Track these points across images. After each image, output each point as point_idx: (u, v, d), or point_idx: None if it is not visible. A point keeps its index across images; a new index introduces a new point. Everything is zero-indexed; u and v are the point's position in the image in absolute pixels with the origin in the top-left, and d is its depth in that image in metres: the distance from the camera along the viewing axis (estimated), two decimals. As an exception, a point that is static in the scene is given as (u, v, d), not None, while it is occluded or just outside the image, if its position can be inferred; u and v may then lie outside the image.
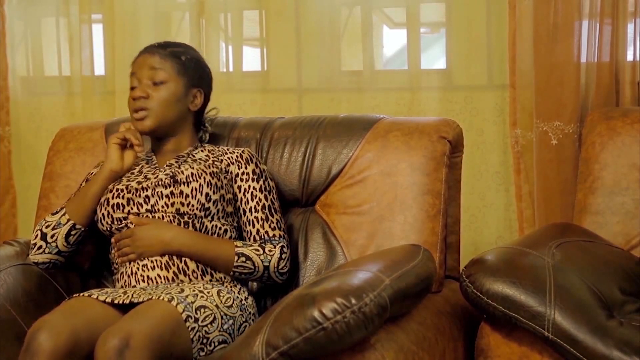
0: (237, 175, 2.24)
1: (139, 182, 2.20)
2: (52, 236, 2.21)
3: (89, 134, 2.56)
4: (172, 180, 2.17)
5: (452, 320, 2.12)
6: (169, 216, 2.16)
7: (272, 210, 2.22)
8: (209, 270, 2.16)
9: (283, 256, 2.18)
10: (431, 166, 2.25)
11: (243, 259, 2.15)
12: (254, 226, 2.21)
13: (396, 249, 2.12)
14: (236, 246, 2.16)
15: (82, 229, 2.22)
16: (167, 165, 2.24)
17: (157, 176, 2.20)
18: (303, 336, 1.69)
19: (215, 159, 2.26)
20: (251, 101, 3.20)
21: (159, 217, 2.16)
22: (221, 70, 3.19)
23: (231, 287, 2.15)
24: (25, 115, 3.46)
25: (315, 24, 3.10)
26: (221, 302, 2.05)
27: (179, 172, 2.19)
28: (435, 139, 2.27)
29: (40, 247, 2.22)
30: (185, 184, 2.17)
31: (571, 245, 2.10)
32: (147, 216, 2.16)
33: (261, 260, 2.16)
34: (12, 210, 3.41)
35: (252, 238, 2.21)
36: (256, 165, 2.25)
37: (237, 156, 2.25)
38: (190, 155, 2.26)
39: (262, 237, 2.20)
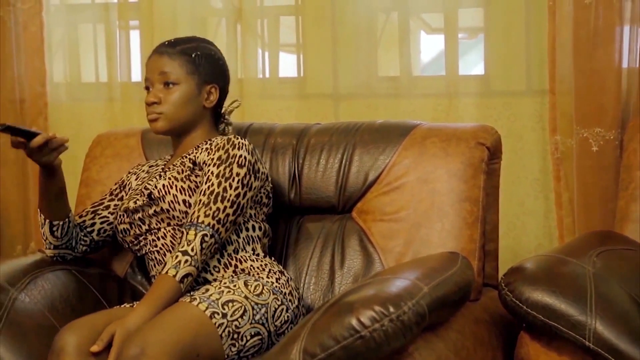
0: (204, 162, 2.17)
1: (135, 202, 2.21)
2: (43, 234, 2.27)
3: (126, 140, 2.58)
4: (149, 199, 2.18)
5: (491, 329, 2.10)
6: (170, 232, 2.17)
7: (219, 198, 2.09)
8: (232, 262, 2.15)
9: (204, 245, 2.05)
10: (469, 173, 2.24)
11: (186, 279, 2.02)
12: (193, 208, 2.10)
13: (434, 256, 2.11)
14: (173, 276, 2.01)
15: (60, 223, 2.24)
16: (165, 170, 2.23)
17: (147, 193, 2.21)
18: (341, 344, 1.69)
19: (197, 154, 2.20)
20: (287, 107, 3.21)
21: (162, 236, 2.18)
22: (257, 77, 3.20)
23: (258, 272, 2.14)
24: (63, 121, 3.50)
25: (352, 29, 3.10)
26: (250, 292, 2.04)
27: (154, 188, 2.18)
28: (473, 145, 2.26)
29: (45, 242, 2.29)
30: (161, 199, 2.16)
31: (612, 254, 2.08)
32: (152, 236, 2.18)
33: (190, 255, 2.02)
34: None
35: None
36: (225, 151, 2.14)
37: (215, 144, 2.18)
38: (191, 154, 2.23)
39: (191, 221, 2.07)
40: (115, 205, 2.34)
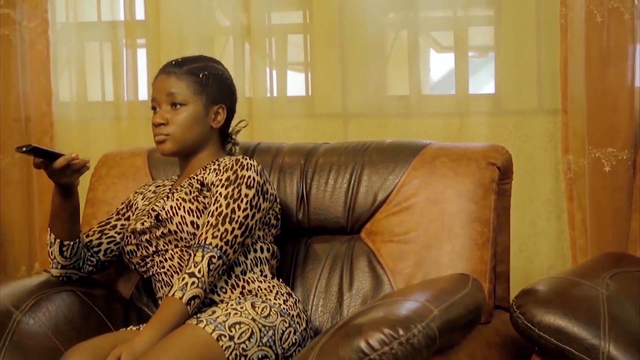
0: (212, 183, 2.17)
1: (143, 223, 2.21)
2: (51, 254, 2.27)
3: (132, 160, 2.59)
4: (156, 221, 2.18)
5: (502, 353, 2.09)
6: (177, 253, 2.17)
7: (227, 220, 2.09)
8: (239, 283, 2.15)
9: (211, 267, 2.05)
10: (479, 193, 2.24)
11: (193, 302, 2.02)
12: (201, 230, 2.11)
13: (444, 278, 2.10)
14: (179, 298, 2.00)
15: (71, 244, 2.25)
16: (173, 192, 2.24)
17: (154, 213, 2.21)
18: (349, 368, 1.68)
19: (204, 175, 2.21)
20: (295, 127, 3.22)
21: (169, 258, 2.18)
22: (265, 96, 3.21)
23: (266, 294, 2.14)
24: (69, 140, 3.51)
25: (360, 48, 3.11)
26: (257, 314, 2.04)
27: (161, 210, 2.18)
28: (483, 165, 2.26)
29: (52, 261, 2.29)
30: (169, 221, 2.16)
31: (626, 276, 2.07)
32: (159, 257, 2.19)
33: (197, 277, 2.02)
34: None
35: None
36: (234, 172, 2.15)
37: (224, 165, 2.18)
38: (198, 175, 2.23)
39: (199, 242, 2.08)
40: (122, 225, 2.34)
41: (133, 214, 2.33)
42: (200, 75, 2.24)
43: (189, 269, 2.04)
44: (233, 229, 2.10)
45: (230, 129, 2.35)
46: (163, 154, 2.25)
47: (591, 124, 2.69)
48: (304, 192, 2.40)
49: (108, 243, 2.33)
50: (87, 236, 2.33)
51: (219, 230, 2.08)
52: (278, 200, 2.28)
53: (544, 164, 2.90)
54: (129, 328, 2.15)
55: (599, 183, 2.67)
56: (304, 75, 3.27)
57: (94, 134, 3.46)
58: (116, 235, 2.33)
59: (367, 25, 3.09)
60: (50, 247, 2.27)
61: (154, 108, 2.26)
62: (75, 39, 3.51)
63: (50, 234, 2.26)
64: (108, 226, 2.34)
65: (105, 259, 2.33)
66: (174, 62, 2.28)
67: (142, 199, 2.34)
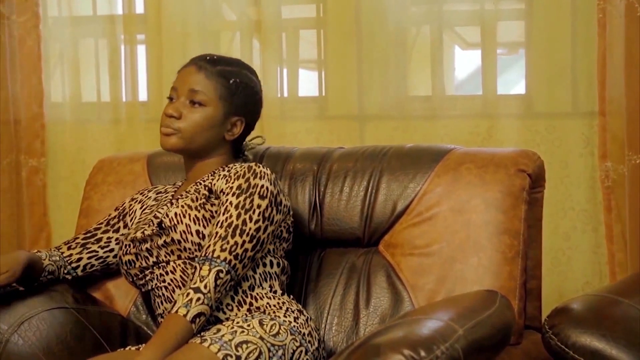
0: (221, 190, 2.18)
1: (143, 232, 2.23)
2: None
3: (130, 166, 2.60)
4: (159, 229, 2.19)
5: (533, 377, 2.10)
6: (179, 266, 2.18)
7: (237, 232, 2.09)
8: (246, 300, 2.16)
9: (218, 282, 2.05)
10: (508, 203, 2.24)
11: (198, 319, 2.02)
12: (208, 241, 2.11)
13: (469, 295, 2.10)
14: (183, 315, 2.00)
15: (39, 277, 2.30)
16: (177, 198, 2.25)
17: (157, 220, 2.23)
18: (366, 391, 1.69)
19: (213, 181, 2.22)
20: (307, 129, 3.23)
21: (171, 270, 2.19)
22: (275, 96, 3.22)
23: (275, 311, 2.15)
24: (62, 144, 3.53)
25: (379, 44, 3.12)
26: (265, 332, 2.05)
27: (164, 217, 2.19)
28: (513, 172, 2.26)
29: None
30: (173, 229, 2.17)
31: (669, 293, 2.07)
32: (160, 270, 2.20)
33: (202, 292, 2.03)
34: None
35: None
36: (246, 180, 2.15)
37: (235, 172, 2.19)
38: (205, 181, 2.24)
39: (206, 255, 2.08)
40: (108, 238, 2.36)
41: (126, 225, 2.34)
42: (231, 81, 2.25)
43: (194, 283, 2.05)
44: (243, 242, 2.10)
45: (244, 143, 2.36)
46: (165, 148, 2.26)
47: (631, 127, 2.69)
48: (317, 200, 2.41)
49: (89, 258, 2.34)
50: (69, 248, 2.35)
51: (228, 242, 2.09)
52: (291, 212, 2.29)
53: (579, 172, 2.90)
54: (127, 348, 2.16)
55: (640, 192, 2.67)
56: (317, 74, 3.28)
57: (89, 137, 3.48)
58: (99, 250, 2.35)
59: (386, 20, 3.10)
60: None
61: (170, 99, 2.27)
62: (68, 34, 3.53)
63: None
64: (92, 239, 2.36)
65: (83, 274, 2.36)
66: (208, 57, 2.28)
67: (142, 207, 2.35)
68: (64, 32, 3.53)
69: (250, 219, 2.12)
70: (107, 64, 3.47)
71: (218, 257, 2.07)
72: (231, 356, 1.95)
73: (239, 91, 2.26)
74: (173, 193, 2.33)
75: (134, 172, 2.58)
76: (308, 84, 3.30)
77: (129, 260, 2.25)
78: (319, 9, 3.26)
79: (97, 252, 2.35)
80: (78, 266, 2.34)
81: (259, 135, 2.39)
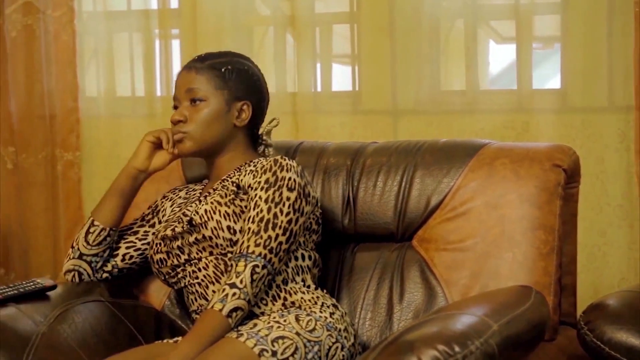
0: (249, 185, 2.18)
1: (173, 229, 2.23)
2: (76, 239, 2.32)
3: (164, 160, 2.61)
4: (189, 226, 2.20)
5: (568, 373, 2.09)
6: (211, 262, 2.19)
7: (269, 225, 2.10)
8: (280, 294, 2.17)
9: (254, 277, 2.06)
10: (543, 198, 2.23)
11: (235, 314, 2.03)
12: (241, 238, 2.12)
13: (504, 290, 2.10)
14: (219, 310, 2.01)
15: (101, 227, 2.29)
16: (205, 195, 2.26)
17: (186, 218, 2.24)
18: (400, 387, 1.69)
19: (240, 177, 2.23)
20: (341, 124, 3.23)
21: (203, 267, 2.20)
22: (308, 90, 3.22)
23: (310, 306, 2.15)
24: (97, 139, 3.56)
25: (412, 38, 3.11)
26: (302, 328, 2.05)
27: (195, 214, 2.20)
28: (548, 167, 2.25)
29: (68, 255, 2.34)
30: (204, 226, 2.17)
31: None
32: (192, 267, 2.21)
33: (238, 287, 2.03)
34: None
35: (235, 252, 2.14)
36: (273, 174, 2.16)
37: (261, 166, 2.19)
38: (232, 177, 2.25)
39: (241, 251, 2.09)
40: (145, 232, 2.37)
41: (159, 221, 2.36)
42: (223, 70, 2.26)
43: (230, 279, 2.05)
44: (277, 235, 2.11)
45: (261, 130, 2.36)
46: (182, 154, 2.28)
47: (668, 122, 2.67)
48: (351, 195, 2.41)
49: (127, 248, 2.36)
50: None
51: (261, 237, 2.10)
52: (319, 204, 2.29)
53: (615, 167, 2.88)
54: (165, 341, 2.17)
55: (677, 188, 2.65)
56: (351, 69, 3.28)
57: (123, 131, 3.51)
58: (137, 241, 2.36)
59: (420, 14, 3.09)
60: (78, 233, 2.33)
61: (175, 107, 2.29)
62: (103, 29, 3.55)
63: (88, 218, 2.33)
64: (129, 231, 2.38)
65: (123, 265, 2.36)
66: (196, 57, 2.31)
67: (171, 205, 2.36)
68: (98, 26, 3.55)
69: (281, 211, 2.12)
70: (142, 59, 3.49)
71: (253, 252, 2.08)
72: (267, 351, 1.96)
73: (233, 77, 2.27)
74: (200, 190, 2.34)
75: (169, 167, 2.59)
76: (342, 78, 3.30)
77: (160, 258, 2.26)
78: (353, 3, 3.26)
79: (135, 243, 2.36)
80: (117, 255, 2.36)
81: (273, 117, 2.37)
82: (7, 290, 2.18)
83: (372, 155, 2.44)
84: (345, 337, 2.12)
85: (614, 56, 2.89)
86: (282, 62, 3.27)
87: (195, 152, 2.27)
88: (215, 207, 2.18)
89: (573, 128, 2.94)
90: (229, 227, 2.16)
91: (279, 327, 2.02)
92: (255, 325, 2.04)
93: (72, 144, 3.55)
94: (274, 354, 1.97)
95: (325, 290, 2.25)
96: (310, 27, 3.24)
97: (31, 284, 2.23)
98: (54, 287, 2.26)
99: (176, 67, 3.41)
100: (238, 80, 2.27)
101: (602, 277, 2.89)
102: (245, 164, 2.27)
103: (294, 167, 2.18)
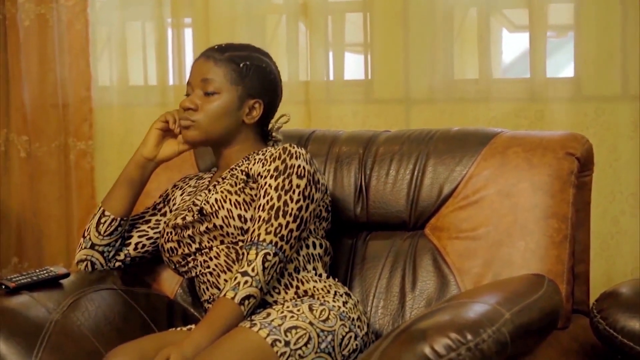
0: (259, 174, 2.18)
1: (183, 218, 2.24)
2: (87, 229, 2.33)
3: (177, 149, 2.61)
4: (200, 215, 2.20)
5: (581, 361, 2.08)
6: (223, 251, 2.19)
7: (280, 213, 2.11)
8: (293, 283, 2.17)
9: (266, 265, 2.07)
10: (556, 186, 2.22)
11: (247, 301, 2.04)
12: (252, 226, 2.12)
13: (517, 279, 2.09)
14: (231, 298, 2.02)
15: (112, 217, 2.30)
16: (214, 184, 2.26)
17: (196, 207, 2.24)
18: (412, 374, 1.69)
19: (249, 165, 2.23)
20: (353, 113, 3.22)
21: (214, 256, 2.20)
22: (321, 79, 3.22)
23: (323, 295, 2.15)
24: (109, 128, 3.56)
25: (425, 27, 3.11)
26: (315, 317, 2.05)
27: (205, 203, 2.20)
28: (561, 155, 2.25)
29: (80, 244, 2.35)
30: (214, 215, 2.17)
31: None
32: (203, 256, 2.21)
33: (250, 275, 2.04)
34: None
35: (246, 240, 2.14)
36: (282, 162, 2.16)
37: (270, 155, 2.19)
38: (241, 166, 2.25)
39: (252, 240, 2.09)
40: (156, 220, 2.38)
41: (170, 210, 2.36)
42: (241, 65, 2.25)
43: (242, 267, 2.06)
44: (287, 222, 2.11)
45: (270, 126, 2.35)
46: (186, 141, 2.28)
47: (682, 110, 2.66)
48: (363, 184, 2.41)
49: (139, 237, 2.36)
50: None
51: (272, 225, 2.10)
52: (328, 191, 2.29)
53: (628, 155, 2.87)
54: (179, 329, 2.18)
55: (691, 176, 2.64)
56: (363, 57, 3.27)
57: (136, 120, 3.51)
58: (149, 230, 2.37)
59: (433, 3, 3.08)
60: (89, 222, 2.33)
61: (187, 94, 2.28)
62: (116, 18, 3.56)
63: (99, 208, 2.33)
64: (141, 220, 2.38)
65: (135, 254, 2.37)
66: (216, 47, 2.29)
67: (181, 194, 2.36)
68: (111, 15, 3.56)
69: (291, 199, 2.12)
70: (154, 48, 3.49)
71: (264, 240, 2.08)
72: (280, 341, 1.96)
73: (250, 73, 2.25)
74: (209, 179, 2.34)
75: (181, 156, 2.59)
76: (354, 67, 3.29)
77: (171, 247, 2.26)
78: (365, -9, 3.25)
79: (147, 232, 2.37)
80: (129, 243, 2.36)
81: (283, 114, 2.37)
82: (20, 278, 2.19)
83: (385, 143, 2.44)
84: (359, 326, 2.12)
85: (628, 45, 2.88)
86: (294, 51, 3.27)
87: (200, 141, 2.27)
88: (226, 195, 2.18)
89: (586, 116, 2.93)
90: (239, 216, 2.16)
91: (292, 316, 2.02)
92: (268, 314, 2.04)
93: (84, 133, 3.56)
94: (287, 343, 1.97)
95: (337, 279, 2.26)
96: (322, 15, 3.24)
97: (44, 272, 2.24)
98: (67, 275, 2.27)
99: (189, 56, 3.41)
100: (254, 77, 2.26)
101: (615, 265, 2.88)
102: (254, 152, 2.26)
103: (302, 154, 2.18)
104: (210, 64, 2.25)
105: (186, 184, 2.40)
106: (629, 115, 2.88)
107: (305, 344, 1.99)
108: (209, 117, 2.24)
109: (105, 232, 2.31)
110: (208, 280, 2.21)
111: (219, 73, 2.24)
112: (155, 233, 2.36)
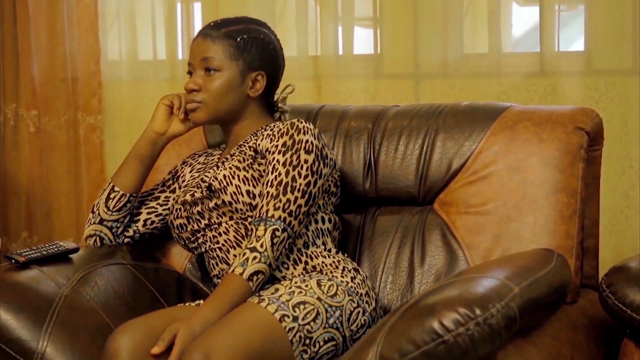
0: (267, 149, 2.18)
1: (192, 195, 2.24)
2: (96, 204, 2.34)
3: (186, 124, 2.61)
4: (208, 192, 2.20)
5: (590, 335, 2.08)
6: (232, 227, 2.19)
7: (288, 189, 2.10)
8: (301, 258, 2.17)
9: (275, 240, 2.07)
10: (566, 161, 2.22)
11: (256, 277, 2.04)
12: (261, 202, 2.12)
13: (526, 253, 2.09)
14: (240, 274, 2.02)
15: (121, 193, 2.31)
16: (222, 161, 2.26)
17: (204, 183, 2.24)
18: (421, 350, 1.68)
19: (257, 141, 2.22)
20: (363, 88, 3.21)
21: (223, 231, 2.20)
22: (330, 54, 3.21)
23: (331, 271, 2.15)
24: (118, 102, 3.56)
25: (435, 1, 3.09)
26: (323, 293, 2.05)
27: (214, 180, 2.20)
28: (570, 130, 2.24)
29: (89, 219, 2.35)
30: (223, 191, 2.17)
31: None
32: (212, 232, 2.21)
33: (259, 251, 2.04)
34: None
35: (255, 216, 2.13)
36: (290, 137, 2.15)
37: (278, 130, 2.19)
38: (249, 142, 2.25)
39: (260, 215, 2.09)
40: (165, 197, 2.38)
41: (179, 187, 2.36)
42: (238, 39, 2.24)
43: (250, 243, 2.06)
44: (296, 198, 2.11)
45: (276, 97, 2.35)
46: (195, 123, 2.29)
47: (693, 84, 2.64)
48: (372, 159, 2.40)
49: (148, 213, 2.37)
50: None
51: (280, 200, 2.10)
52: (337, 166, 2.28)
53: (638, 129, 2.86)
54: (187, 304, 2.18)
55: (701, 150, 2.63)
56: (373, 32, 3.26)
57: (145, 95, 3.51)
58: (158, 207, 2.37)
59: (442, -24, 3.06)
60: (98, 198, 2.34)
61: (189, 73, 2.28)
62: (124, -8, 3.54)
63: (109, 183, 2.33)
64: (150, 197, 2.39)
65: (144, 230, 2.37)
66: (212, 24, 2.29)
67: (190, 171, 2.36)
68: (119, -11, 3.55)
69: (299, 174, 2.12)
70: (163, 22, 3.48)
71: (272, 216, 2.08)
72: (288, 316, 1.96)
73: (248, 46, 2.25)
74: (218, 156, 2.34)
75: (190, 132, 2.59)
76: (363, 41, 3.28)
77: (180, 224, 2.27)
78: (375, -35, 3.24)
79: (156, 208, 2.37)
80: (138, 220, 2.37)
81: (289, 84, 2.36)
82: (30, 252, 2.19)
83: (394, 118, 2.43)
84: (367, 302, 2.12)
85: (639, 18, 2.85)
86: (303, 26, 3.25)
87: (209, 120, 2.28)
88: (234, 172, 2.18)
89: (596, 91, 2.91)
90: (248, 192, 2.16)
91: (300, 292, 2.03)
92: (276, 290, 2.04)
93: (94, 108, 3.56)
94: (295, 319, 1.97)
95: (346, 254, 2.25)
96: (331, -11, 3.22)
97: (54, 246, 2.25)
98: (76, 250, 2.27)
99: (198, 30, 3.40)
100: (254, 50, 2.26)
101: (624, 240, 2.88)
102: (262, 128, 2.26)
103: (310, 129, 2.17)
104: (208, 42, 2.25)
105: (195, 161, 2.40)
106: (639, 89, 2.87)
107: (314, 319, 1.99)
108: (213, 96, 2.23)
109: (114, 207, 2.31)
110: (217, 256, 2.22)
111: (218, 50, 2.23)
112: (164, 210, 2.37)
